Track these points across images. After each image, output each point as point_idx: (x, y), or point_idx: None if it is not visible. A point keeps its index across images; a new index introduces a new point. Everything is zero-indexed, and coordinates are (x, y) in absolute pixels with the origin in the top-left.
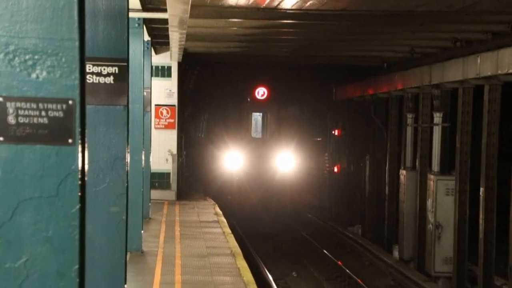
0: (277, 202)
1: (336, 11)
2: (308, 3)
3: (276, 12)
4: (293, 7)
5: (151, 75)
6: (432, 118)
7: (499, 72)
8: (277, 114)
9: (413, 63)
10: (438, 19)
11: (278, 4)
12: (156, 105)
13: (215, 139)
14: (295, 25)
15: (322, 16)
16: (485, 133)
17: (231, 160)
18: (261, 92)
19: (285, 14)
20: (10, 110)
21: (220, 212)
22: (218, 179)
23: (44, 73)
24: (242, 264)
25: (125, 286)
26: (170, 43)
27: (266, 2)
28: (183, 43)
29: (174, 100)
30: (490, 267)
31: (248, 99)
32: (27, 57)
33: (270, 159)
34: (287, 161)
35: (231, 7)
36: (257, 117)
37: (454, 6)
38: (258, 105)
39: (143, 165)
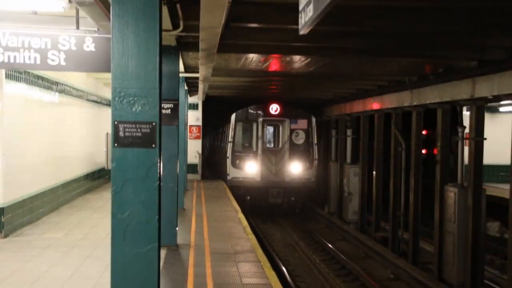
0: (286, 197)
1: (306, 73)
2: (290, 68)
3: (266, 73)
4: (280, 70)
5: (188, 108)
6: (346, 132)
7: (383, 107)
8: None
9: (337, 101)
10: (348, 79)
11: (269, 69)
12: (190, 125)
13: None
14: (281, 79)
15: (298, 75)
16: (376, 141)
17: (248, 165)
18: (274, 108)
19: (274, 73)
20: (121, 129)
21: (226, 186)
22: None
23: (140, 108)
24: (241, 216)
25: (177, 228)
26: (199, 91)
27: (259, 67)
28: (206, 90)
29: (199, 122)
30: (378, 215)
31: (262, 115)
32: (130, 99)
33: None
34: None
35: (237, 70)
36: (270, 129)
37: (356, 74)
38: (272, 120)
39: (184, 160)
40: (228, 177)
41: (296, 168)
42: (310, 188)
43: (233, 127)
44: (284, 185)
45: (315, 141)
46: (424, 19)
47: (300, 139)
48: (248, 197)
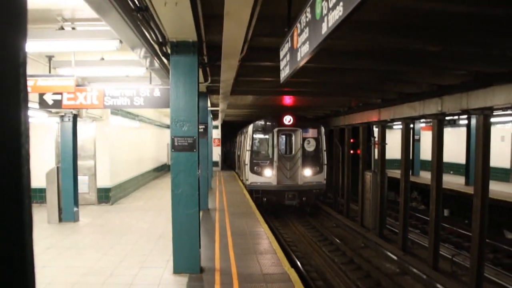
0: (300, 199)
1: (285, 106)
2: (273, 103)
3: (257, 106)
4: (265, 105)
5: (212, 128)
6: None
7: (331, 125)
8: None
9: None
10: (312, 108)
11: (259, 104)
12: (214, 138)
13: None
14: (263, 111)
15: (282, 107)
16: (345, 147)
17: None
18: (288, 119)
19: (262, 107)
20: (175, 141)
21: (235, 173)
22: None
23: (186, 128)
24: (245, 192)
25: (208, 196)
26: (219, 117)
27: (253, 102)
28: (223, 117)
29: (219, 136)
30: (349, 197)
31: (277, 125)
32: (181, 123)
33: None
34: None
35: (242, 105)
36: (284, 138)
37: (316, 105)
38: (286, 129)
39: (211, 158)
40: (247, 182)
41: (308, 173)
42: (320, 190)
43: (250, 137)
44: (298, 188)
45: (324, 148)
46: (352, 76)
47: (311, 147)
48: (265, 199)
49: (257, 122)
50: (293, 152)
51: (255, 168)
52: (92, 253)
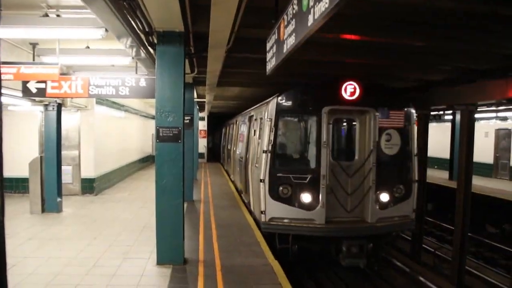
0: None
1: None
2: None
3: (241, 97)
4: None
5: (199, 119)
6: None
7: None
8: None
9: None
10: None
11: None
12: (200, 129)
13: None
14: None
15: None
16: None
17: None
18: (350, 90)
19: (247, 98)
20: (160, 131)
21: (220, 165)
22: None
23: (171, 119)
24: (231, 184)
25: (193, 188)
26: (205, 109)
27: (238, 94)
28: (209, 109)
29: (205, 128)
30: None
31: (328, 102)
32: (166, 113)
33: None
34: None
35: (228, 96)
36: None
37: None
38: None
39: (196, 150)
40: (263, 218)
41: (386, 198)
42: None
43: (271, 124)
44: (368, 231)
45: (415, 149)
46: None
47: (394, 147)
48: (297, 246)
49: (285, 93)
50: (359, 156)
51: (280, 189)
52: (75, 243)
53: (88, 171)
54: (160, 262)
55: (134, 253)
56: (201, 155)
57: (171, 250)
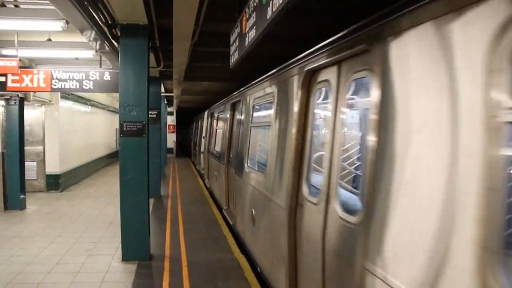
0: None
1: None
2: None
3: (211, 92)
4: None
5: (167, 114)
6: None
7: None
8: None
9: None
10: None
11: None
12: (168, 124)
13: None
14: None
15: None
16: None
17: None
18: None
19: (215, 92)
20: (124, 126)
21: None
22: None
23: (135, 113)
24: (201, 182)
25: (161, 183)
26: (174, 104)
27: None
28: (178, 103)
29: (174, 123)
30: None
31: None
32: (130, 107)
33: None
34: None
35: (197, 91)
36: None
37: None
38: None
39: (165, 145)
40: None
41: None
42: None
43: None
44: None
45: None
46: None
47: None
48: None
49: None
50: None
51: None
52: (38, 241)
53: (53, 167)
54: (126, 258)
55: (99, 250)
56: (169, 151)
57: (136, 246)
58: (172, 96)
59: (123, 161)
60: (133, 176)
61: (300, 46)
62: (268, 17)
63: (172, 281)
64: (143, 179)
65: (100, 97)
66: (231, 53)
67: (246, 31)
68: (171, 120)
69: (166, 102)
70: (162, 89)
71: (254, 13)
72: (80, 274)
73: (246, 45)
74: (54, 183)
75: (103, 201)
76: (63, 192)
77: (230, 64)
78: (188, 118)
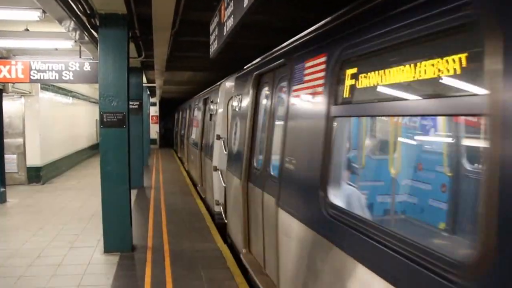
0: None
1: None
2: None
3: (194, 82)
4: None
5: (150, 105)
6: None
7: None
8: None
9: None
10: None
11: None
12: (151, 115)
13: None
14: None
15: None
16: None
17: None
18: None
19: (199, 82)
20: (104, 117)
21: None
22: None
23: (115, 103)
24: (182, 169)
25: (144, 174)
26: (156, 94)
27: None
28: (160, 94)
29: (157, 114)
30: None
31: None
32: (110, 98)
33: None
34: None
35: (179, 81)
36: None
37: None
38: None
39: (148, 136)
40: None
41: None
42: None
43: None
44: None
45: None
46: None
47: None
48: None
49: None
50: None
51: None
52: (19, 234)
53: (34, 160)
54: (108, 250)
55: (81, 242)
56: (153, 141)
57: (118, 238)
58: (155, 87)
59: (104, 152)
60: (114, 167)
61: (279, 35)
62: (244, 5)
63: (154, 271)
64: (124, 170)
65: (82, 88)
66: (211, 42)
67: (224, 20)
68: (154, 111)
69: (148, 92)
70: (144, 80)
71: (232, 1)
72: (61, 266)
73: (224, 34)
74: (36, 175)
75: (86, 193)
76: (45, 185)
77: (210, 53)
78: (171, 109)
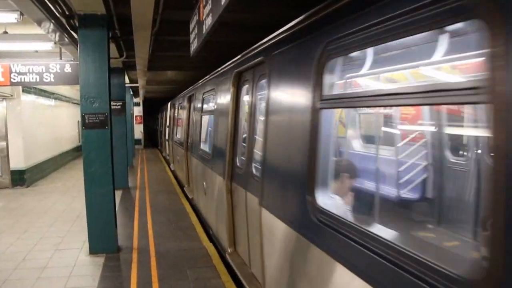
0: None
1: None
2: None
3: (177, 82)
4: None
5: (133, 105)
6: None
7: None
8: None
9: None
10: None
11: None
12: (135, 115)
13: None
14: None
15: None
16: None
17: None
18: None
19: (183, 82)
20: (86, 118)
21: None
22: None
23: (97, 104)
24: (165, 164)
25: (129, 175)
26: (139, 94)
27: (172, 78)
28: (143, 93)
29: (141, 114)
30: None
31: None
32: (91, 99)
33: None
34: None
35: (162, 81)
36: None
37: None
38: None
39: (132, 136)
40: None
41: None
42: None
43: None
44: None
45: None
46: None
47: None
48: None
49: None
50: None
51: None
52: (3, 238)
53: (18, 163)
54: (93, 251)
55: (66, 244)
56: (138, 142)
57: (103, 239)
58: (138, 87)
59: (87, 153)
60: (98, 168)
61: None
62: (222, 3)
63: (140, 272)
64: (108, 171)
65: (65, 90)
66: (191, 41)
67: (203, 18)
68: (138, 111)
69: (131, 93)
70: (127, 80)
71: None
72: (47, 269)
73: (204, 32)
74: (20, 178)
75: (70, 195)
76: (29, 188)
77: (191, 52)
78: (155, 109)
